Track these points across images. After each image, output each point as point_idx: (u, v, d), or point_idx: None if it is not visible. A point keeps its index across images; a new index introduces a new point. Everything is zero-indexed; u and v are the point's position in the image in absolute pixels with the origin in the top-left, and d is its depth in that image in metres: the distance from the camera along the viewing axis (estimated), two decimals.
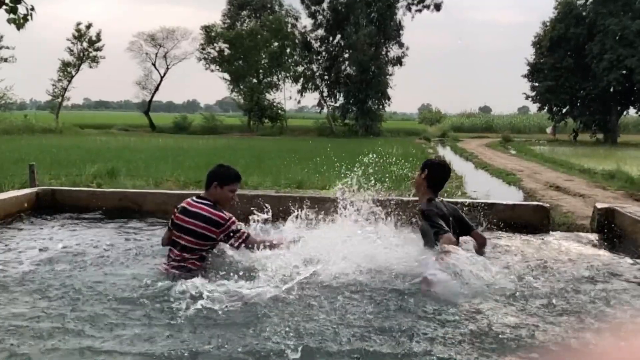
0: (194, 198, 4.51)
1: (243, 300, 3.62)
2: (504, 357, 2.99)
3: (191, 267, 4.29)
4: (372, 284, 4.06)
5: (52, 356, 2.90)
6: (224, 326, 3.28)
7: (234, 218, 4.43)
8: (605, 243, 5.90)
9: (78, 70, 44.10)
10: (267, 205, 5.16)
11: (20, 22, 6.18)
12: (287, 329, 3.24)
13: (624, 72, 35.72)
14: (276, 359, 2.89)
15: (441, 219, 4.33)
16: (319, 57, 42.83)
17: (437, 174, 4.57)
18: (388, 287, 4.01)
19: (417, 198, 4.85)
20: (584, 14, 37.92)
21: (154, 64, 47.18)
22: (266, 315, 3.46)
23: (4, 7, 6.08)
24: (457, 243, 4.31)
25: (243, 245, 4.42)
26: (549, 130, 45.04)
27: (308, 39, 42.97)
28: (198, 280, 3.91)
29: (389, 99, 42.16)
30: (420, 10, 41.53)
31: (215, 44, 42.92)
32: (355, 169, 5.29)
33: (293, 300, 3.69)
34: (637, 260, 5.10)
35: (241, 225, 4.50)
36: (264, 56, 42.29)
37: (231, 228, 4.37)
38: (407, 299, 3.78)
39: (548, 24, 40.03)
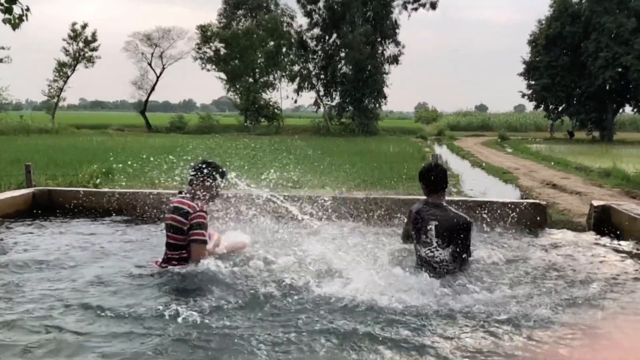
0: (177, 195, 4.52)
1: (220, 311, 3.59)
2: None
3: (175, 266, 4.26)
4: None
5: None
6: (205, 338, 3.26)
7: (204, 215, 4.31)
8: (602, 240, 5.91)
9: (74, 70, 44.01)
10: None
11: (15, 23, 6.15)
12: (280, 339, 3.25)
13: (620, 70, 35.79)
14: None
15: (412, 222, 4.49)
16: (315, 56, 42.74)
17: (423, 179, 4.60)
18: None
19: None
20: (579, 12, 37.96)
21: (149, 64, 47.06)
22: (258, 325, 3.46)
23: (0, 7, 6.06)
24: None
25: (191, 246, 4.29)
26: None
27: (304, 38, 42.89)
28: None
29: (385, 97, 42.13)
30: (416, 9, 41.48)
31: (211, 44, 42.77)
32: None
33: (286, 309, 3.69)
34: (634, 257, 5.11)
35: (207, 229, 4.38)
36: (260, 55, 42.18)
37: (195, 220, 4.27)
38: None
39: (544, 22, 40.10)
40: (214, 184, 4.42)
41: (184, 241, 4.29)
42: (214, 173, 4.43)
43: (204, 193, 4.40)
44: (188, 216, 4.26)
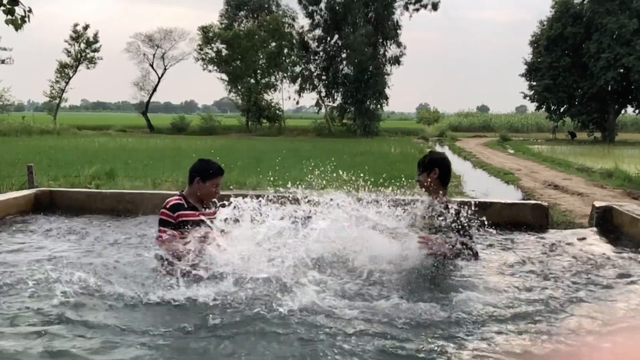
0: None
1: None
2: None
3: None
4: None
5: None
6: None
7: (165, 212, 4.23)
8: (604, 241, 5.90)
9: (75, 71, 44.16)
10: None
11: (17, 24, 6.16)
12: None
13: (622, 70, 35.76)
14: None
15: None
16: (317, 57, 42.77)
17: (446, 170, 4.50)
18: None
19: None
20: (581, 13, 37.92)
21: (151, 65, 47.12)
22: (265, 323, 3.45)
23: (2, 8, 6.06)
24: None
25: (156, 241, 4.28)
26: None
27: (305, 39, 42.93)
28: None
29: (386, 98, 42.11)
30: (417, 10, 41.50)
31: (212, 45, 42.82)
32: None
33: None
34: (636, 258, 5.10)
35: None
36: (261, 56, 42.25)
37: (160, 217, 4.27)
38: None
39: (545, 23, 40.05)
40: (205, 183, 4.32)
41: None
42: (203, 172, 4.35)
43: (195, 193, 4.36)
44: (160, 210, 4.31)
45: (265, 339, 3.11)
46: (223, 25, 44.17)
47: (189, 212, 4.26)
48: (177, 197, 4.33)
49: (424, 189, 4.52)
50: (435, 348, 3.03)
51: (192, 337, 3.15)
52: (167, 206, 4.26)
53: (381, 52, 41.75)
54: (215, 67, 43.29)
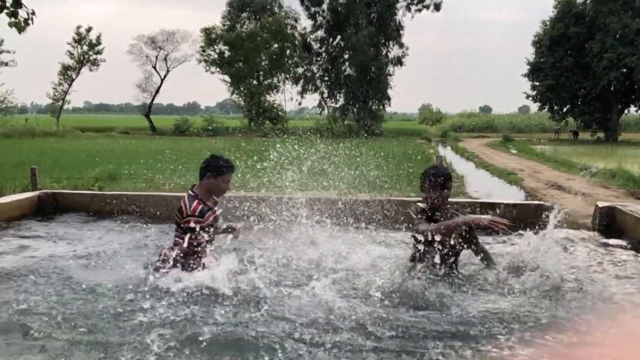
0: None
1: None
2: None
3: (174, 267, 4.20)
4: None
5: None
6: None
7: (200, 220, 4.23)
8: (607, 241, 5.89)
9: (78, 73, 44.29)
10: None
11: (21, 26, 6.18)
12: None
13: (625, 70, 35.66)
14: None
15: None
16: (319, 58, 42.80)
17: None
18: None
19: None
20: (584, 12, 37.86)
21: (154, 67, 47.20)
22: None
23: (5, 11, 6.09)
24: None
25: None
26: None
27: (308, 40, 42.96)
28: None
29: (389, 99, 42.16)
30: (420, 10, 41.54)
31: (215, 46, 42.89)
32: None
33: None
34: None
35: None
36: (264, 58, 42.26)
37: (187, 225, 4.23)
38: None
39: (548, 23, 40.00)
40: (217, 180, 4.34)
41: (181, 239, 4.27)
42: (217, 169, 4.35)
43: (206, 189, 4.36)
44: (181, 215, 4.26)
45: (266, 351, 3.07)
46: (225, 27, 44.24)
47: (210, 213, 4.32)
48: (197, 202, 4.28)
49: (430, 205, 4.34)
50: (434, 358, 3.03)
51: (184, 344, 3.13)
52: (196, 213, 4.23)
53: (383, 53, 41.79)
54: (218, 69, 43.35)
